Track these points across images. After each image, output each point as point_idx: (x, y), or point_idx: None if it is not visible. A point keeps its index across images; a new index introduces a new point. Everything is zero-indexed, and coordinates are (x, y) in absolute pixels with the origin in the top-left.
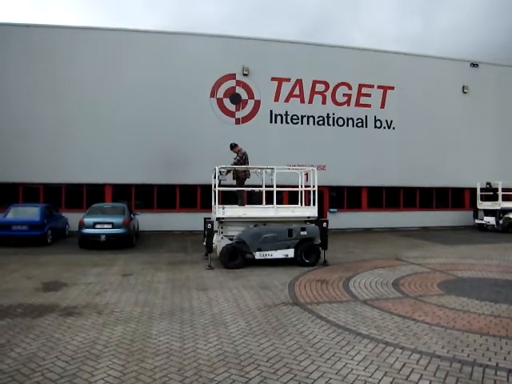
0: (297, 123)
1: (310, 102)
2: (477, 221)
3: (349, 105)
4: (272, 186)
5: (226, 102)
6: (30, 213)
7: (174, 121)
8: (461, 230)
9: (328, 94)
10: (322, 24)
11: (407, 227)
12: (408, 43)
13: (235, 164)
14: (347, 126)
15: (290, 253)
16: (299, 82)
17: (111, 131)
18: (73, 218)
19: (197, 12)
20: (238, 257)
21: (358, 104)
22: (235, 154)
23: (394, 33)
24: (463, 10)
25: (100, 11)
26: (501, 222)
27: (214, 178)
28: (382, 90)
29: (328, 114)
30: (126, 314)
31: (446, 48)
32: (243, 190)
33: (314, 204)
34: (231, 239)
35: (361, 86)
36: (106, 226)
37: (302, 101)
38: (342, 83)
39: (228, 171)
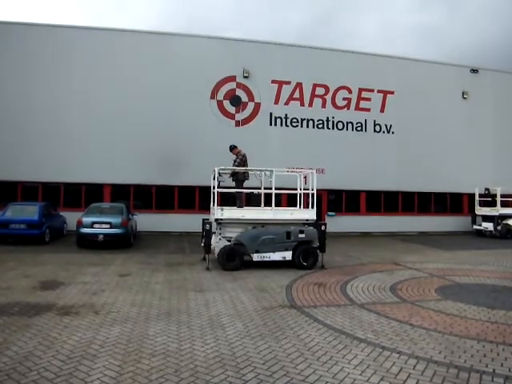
0: (296, 126)
1: (310, 105)
2: (475, 226)
3: (348, 108)
4: (271, 188)
5: (226, 103)
6: (29, 211)
7: (173, 122)
8: (459, 236)
9: (328, 97)
10: (335, 12)
11: (405, 232)
12: (423, 35)
13: (234, 166)
14: (347, 129)
15: (288, 255)
16: (299, 85)
17: (111, 131)
18: (71, 217)
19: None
20: (235, 258)
21: (357, 108)
22: (234, 156)
23: (408, 23)
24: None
25: (94, 4)
26: (499, 227)
27: (214, 179)
28: (381, 95)
29: (328, 118)
30: (123, 314)
31: (464, 45)
32: (242, 192)
33: (312, 207)
34: (229, 240)
35: (361, 89)
36: (104, 225)
37: (302, 104)
38: (342, 87)
39: (230, 174)
